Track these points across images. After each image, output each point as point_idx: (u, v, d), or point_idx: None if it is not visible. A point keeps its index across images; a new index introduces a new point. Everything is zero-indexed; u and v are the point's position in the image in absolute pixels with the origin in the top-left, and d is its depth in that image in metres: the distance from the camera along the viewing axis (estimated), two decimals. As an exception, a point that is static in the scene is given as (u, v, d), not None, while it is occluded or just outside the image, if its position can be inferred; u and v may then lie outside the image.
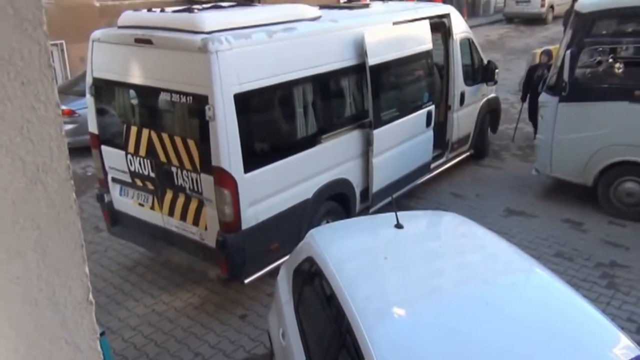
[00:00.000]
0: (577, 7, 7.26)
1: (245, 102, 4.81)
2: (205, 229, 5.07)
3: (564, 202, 7.43)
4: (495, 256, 3.68)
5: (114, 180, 5.85)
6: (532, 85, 9.05)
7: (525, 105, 9.46)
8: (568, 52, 6.68)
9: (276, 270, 4.55)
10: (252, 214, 4.97)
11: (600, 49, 7.44)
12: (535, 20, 23.43)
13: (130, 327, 5.20)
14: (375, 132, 6.15)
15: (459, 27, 8.03)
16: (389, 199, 4.19)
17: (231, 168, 4.74)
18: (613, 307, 5.24)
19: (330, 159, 5.80)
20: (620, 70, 7.16)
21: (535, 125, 9.10)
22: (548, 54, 9.32)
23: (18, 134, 0.66)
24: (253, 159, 4.95)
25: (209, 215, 4.99)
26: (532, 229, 6.79)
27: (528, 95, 9.24)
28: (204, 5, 5.95)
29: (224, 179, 4.75)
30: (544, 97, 7.37)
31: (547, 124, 7.24)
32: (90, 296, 0.77)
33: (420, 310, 3.06)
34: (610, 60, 7.36)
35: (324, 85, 5.74)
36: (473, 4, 24.83)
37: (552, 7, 23.90)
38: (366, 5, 7.60)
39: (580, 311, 3.00)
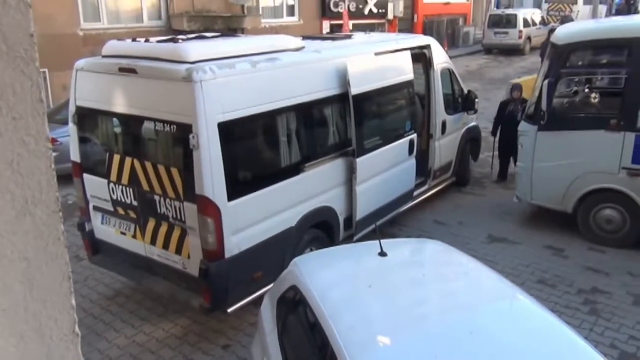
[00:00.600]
0: (553, 39, 7.48)
1: (229, 131, 4.84)
2: (189, 257, 5.03)
3: (546, 229, 7.52)
4: (479, 284, 3.70)
5: (96, 208, 5.80)
6: (503, 120, 9.09)
7: (497, 139, 9.41)
8: (546, 82, 6.85)
9: (260, 300, 4.51)
10: (236, 243, 4.95)
11: (577, 79, 7.63)
12: (513, 51, 24.03)
13: (110, 359, 5.08)
14: (359, 160, 6.20)
15: (440, 57, 8.21)
16: (373, 226, 4.21)
17: (215, 196, 4.73)
18: (596, 333, 5.28)
19: (314, 187, 5.82)
20: (597, 100, 7.35)
21: (503, 162, 9.44)
22: (518, 88, 9.29)
23: (8, 167, 0.67)
24: (237, 188, 4.95)
25: (192, 244, 4.96)
26: (514, 256, 6.85)
27: (499, 130, 9.23)
28: (189, 36, 6.03)
29: (207, 208, 4.74)
30: (523, 126, 7.52)
31: (526, 152, 7.36)
32: (77, 328, 0.77)
33: (405, 339, 3.06)
34: (587, 90, 7.55)
35: (308, 115, 5.80)
36: (453, 35, 25.42)
37: (529, 38, 24.61)
38: (349, 37, 7.75)
39: (564, 339, 3.02)
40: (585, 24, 9.13)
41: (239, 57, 5.19)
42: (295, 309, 3.66)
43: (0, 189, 0.67)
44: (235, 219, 4.91)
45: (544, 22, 25.62)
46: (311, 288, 3.42)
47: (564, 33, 7.39)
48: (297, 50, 5.98)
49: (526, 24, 24.62)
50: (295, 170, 5.58)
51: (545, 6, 28.64)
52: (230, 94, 4.87)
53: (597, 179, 6.90)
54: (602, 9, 24.95)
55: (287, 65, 5.52)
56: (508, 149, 9.05)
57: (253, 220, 5.11)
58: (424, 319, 3.33)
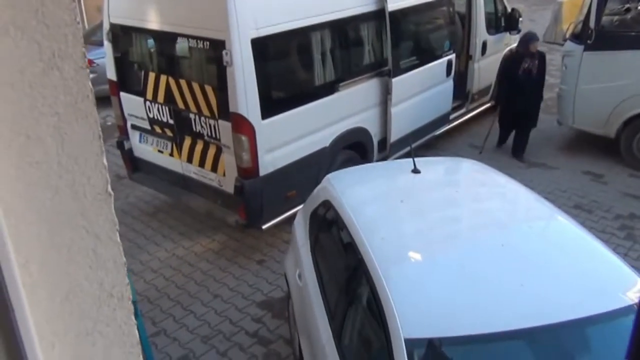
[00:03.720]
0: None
1: (262, 48, 4.76)
2: (224, 175, 5.12)
3: (585, 154, 7.32)
4: (514, 203, 3.67)
5: (134, 127, 5.90)
6: (513, 81, 6.97)
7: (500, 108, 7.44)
8: (596, -2, 6.45)
9: (293, 218, 4.60)
10: (270, 161, 4.99)
11: (630, -5, 7.16)
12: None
13: (151, 269, 5.34)
14: (394, 80, 6.06)
15: (483, -27, 7.77)
16: (407, 148, 4.16)
17: (249, 114, 4.73)
18: (631, 257, 5.22)
19: (348, 108, 5.75)
20: (650, 18, 6.91)
21: (503, 134, 7.49)
22: (535, 38, 6.97)
23: (33, 17, 0.66)
24: (271, 106, 4.93)
25: (227, 161, 5.02)
26: (552, 181, 6.73)
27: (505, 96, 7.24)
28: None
29: (241, 125, 4.75)
30: (568, 46, 7.17)
31: (570, 73, 7.06)
32: (109, 188, 0.79)
33: (436, 253, 3.08)
34: (639, 7, 7.08)
35: (343, 32, 5.63)
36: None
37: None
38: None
39: (598, 255, 2.99)
40: None
41: (273, -30, 5.01)
42: (328, 223, 3.71)
43: (27, 39, 0.67)
44: (269, 137, 4.92)
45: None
46: (343, 203, 3.45)
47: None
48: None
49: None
50: (329, 89, 5.50)
51: None
52: (264, 8, 4.75)
53: (645, 103, 6.61)
54: None
55: (322, -21, 5.32)
56: (521, 119, 7.10)
57: (286, 138, 5.12)
58: (456, 235, 3.33)
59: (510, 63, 7.30)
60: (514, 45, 8.05)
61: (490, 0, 7.98)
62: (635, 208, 6.10)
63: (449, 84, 7.19)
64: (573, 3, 12.21)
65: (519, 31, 8.60)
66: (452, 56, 7.09)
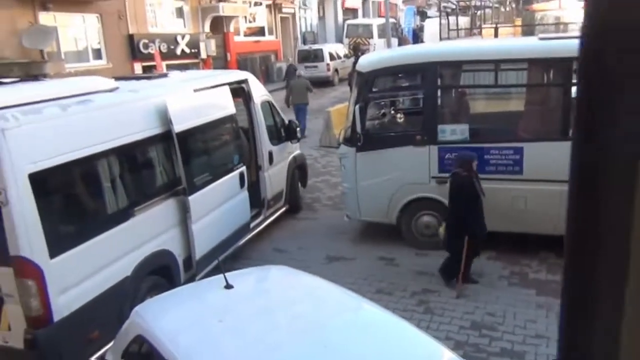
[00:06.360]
0: (358, 67, 8.15)
1: (43, 182, 4.41)
2: (9, 329, 4.42)
3: (377, 242, 8.03)
4: (325, 300, 3.81)
5: None
6: (475, 205, 6.30)
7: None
8: (356, 107, 7.40)
9: (100, 361, 4.12)
10: (64, 303, 4.48)
11: (383, 102, 8.36)
12: (324, 83, 25.59)
13: None
14: (191, 198, 6.05)
15: (258, 91, 8.44)
16: (215, 263, 4.13)
17: (33, 255, 4.25)
18: (432, 329, 5.72)
19: (147, 232, 5.53)
20: (402, 119, 8.15)
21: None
22: (472, 157, 6.47)
23: None
24: (59, 242, 4.51)
25: (12, 312, 4.37)
26: (352, 271, 7.19)
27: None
28: (-18, 83, 5.40)
29: (26, 269, 4.23)
30: (342, 149, 8.01)
31: (349, 172, 7.84)
32: None
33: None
34: (392, 111, 8.32)
35: (130, 156, 5.53)
36: (267, 70, 26.31)
37: (336, 70, 26.47)
38: (165, 75, 7.61)
39: (407, 334, 3.23)
40: (384, 53, 10.12)
41: (45, 102, 4.78)
42: (144, 361, 3.41)
43: None
44: (61, 276, 4.45)
45: (347, 55, 27.80)
46: (159, 334, 3.22)
47: (366, 61, 8.09)
48: (111, 90, 5.70)
49: (332, 57, 26.50)
50: (123, 215, 5.26)
51: (346, 40, 31.13)
52: (40, 142, 4.45)
53: (413, 190, 7.58)
54: (394, 41, 27.81)
55: (101, 107, 5.23)
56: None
57: (82, 275, 4.68)
58: (279, 344, 3.32)
59: (466, 190, 6.30)
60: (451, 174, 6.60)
61: (269, 114, 8.64)
62: (426, 283, 6.78)
63: (244, 194, 7.43)
64: (339, 111, 13.86)
65: (298, 140, 9.41)
66: (243, 168, 7.39)
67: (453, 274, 6.57)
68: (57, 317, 4.39)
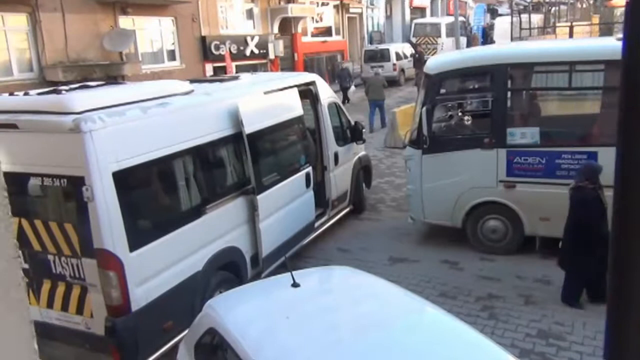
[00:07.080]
0: (425, 69, 8.12)
1: (124, 180, 4.71)
2: (91, 316, 4.76)
3: (441, 245, 7.99)
4: (388, 301, 3.87)
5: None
6: (601, 223, 5.67)
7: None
8: (423, 109, 7.39)
9: (172, 350, 4.37)
10: (142, 294, 4.77)
11: (450, 104, 8.30)
12: (390, 83, 25.45)
13: None
14: (259, 197, 6.26)
15: (325, 92, 8.57)
16: (280, 260, 4.27)
17: (115, 248, 4.56)
18: (496, 335, 5.65)
19: (217, 229, 5.78)
20: (469, 122, 8.05)
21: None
22: (597, 168, 5.93)
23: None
24: (138, 237, 4.80)
25: (95, 301, 4.71)
26: (416, 273, 7.19)
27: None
28: (71, 86, 5.82)
29: (108, 261, 4.55)
30: (408, 151, 8.01)
31: (414, 175, 7.84)
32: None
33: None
34: (460, 113, 8.24)
35: (204, 156, 5.79)
36: (333, 71, 26.48)
37: (402, 70, 26.28)
38: (236, 77, 7.88)
39: (471, 339, 3.24)
40: (452, 55, 9.99)
41: (127, 104, 5.10)
42: (215, 352, 3.60)
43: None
44: (139, 269, 4.74)
45: (413, 55, 27.55)
46: (230, 327, 3.40)
47: (434, 63, 8.04)
48: (187, 93, 5.99)
49: (398, 57, 26.31)
50: (196, 213, 5.52)
51: (413, 40, 30.81)
52: (123, 142, 4.76)
53: (479, 194, 7.49)
54: (463, 40, 27.29)
55: (178, 109, 5.51)
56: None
57: (158, 268, 4.97)
58: (341, 342, 3.42)
59: (591, 205, 5.77)
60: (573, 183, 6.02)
61: (335, 115, 8.76)
62: (491, 288, 6.69)
63: (310, 194, 7.58)
64: (405, 112, 13.81)
65: (363, 141, 9.48)
66: (309, 169, 7.55)
67: (576, 294, 6.09)
68: (135, 307, 4.69)
